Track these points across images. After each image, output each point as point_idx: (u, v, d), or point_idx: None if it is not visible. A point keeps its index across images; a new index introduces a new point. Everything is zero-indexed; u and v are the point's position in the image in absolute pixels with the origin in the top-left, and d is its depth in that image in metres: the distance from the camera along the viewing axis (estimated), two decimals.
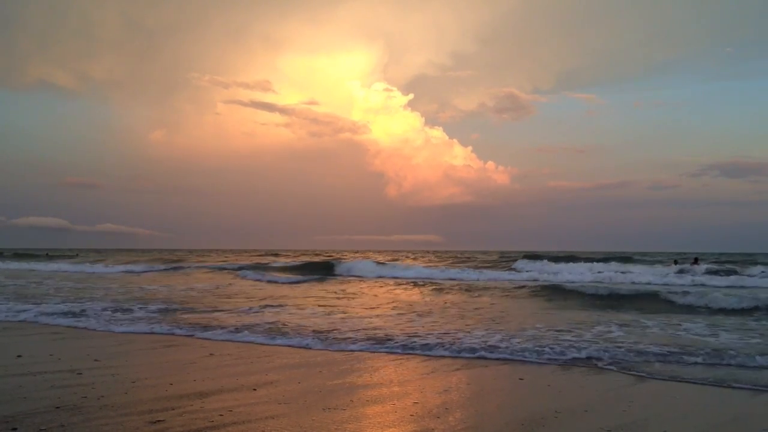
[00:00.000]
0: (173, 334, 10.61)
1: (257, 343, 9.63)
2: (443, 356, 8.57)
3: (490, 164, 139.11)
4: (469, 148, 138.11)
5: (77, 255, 68.38)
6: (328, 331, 10.61)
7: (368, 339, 9.81)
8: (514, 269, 35.91)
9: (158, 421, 5.04)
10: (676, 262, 36.53)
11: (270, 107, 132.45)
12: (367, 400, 5.95)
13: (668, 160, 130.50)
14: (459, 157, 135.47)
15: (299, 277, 29.02)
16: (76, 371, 7.11)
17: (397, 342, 9.52)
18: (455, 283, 24.78)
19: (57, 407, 5.41)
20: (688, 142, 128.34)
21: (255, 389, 6.36)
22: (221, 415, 5.28)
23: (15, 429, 4.71)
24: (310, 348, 9.24)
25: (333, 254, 76.50)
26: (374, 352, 8.87)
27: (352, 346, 9.26)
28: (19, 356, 8.05)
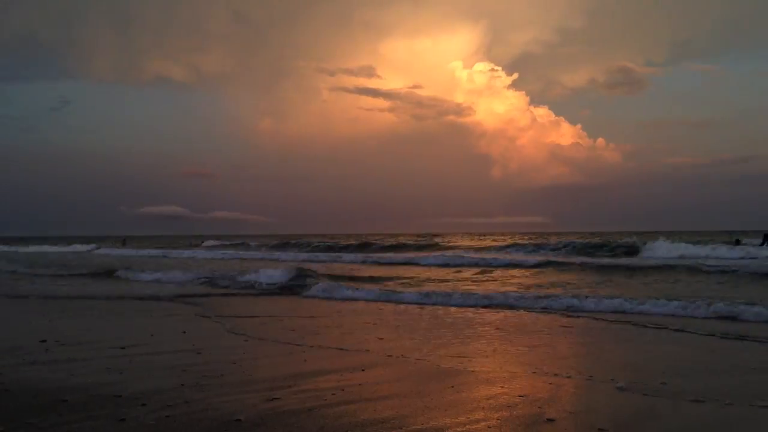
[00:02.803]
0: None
1: None
2: None
3: (600, 141, 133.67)
4: (579, 125, 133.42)
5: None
6: None
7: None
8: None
9: (275, 398, 5.24)
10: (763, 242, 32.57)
11: (374, 92, 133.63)
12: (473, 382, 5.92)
13: None
14: (567, 135, 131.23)
15: None
16: (196, 350, 7.51)
17: None
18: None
19: (182, 384, 5.74)
20: None
21: (363, 369, 6.48)
22: (333, 393, 5.42)
23: (144, 405, 5.03)
24: None
25: (439, 236, 76.39)
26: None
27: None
28: (152, 335, 8.61)
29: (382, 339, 8.52)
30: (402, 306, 12.87)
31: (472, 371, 6.41)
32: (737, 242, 33.99)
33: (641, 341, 8.50)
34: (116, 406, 4.96)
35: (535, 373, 6.33)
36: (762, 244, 31.41)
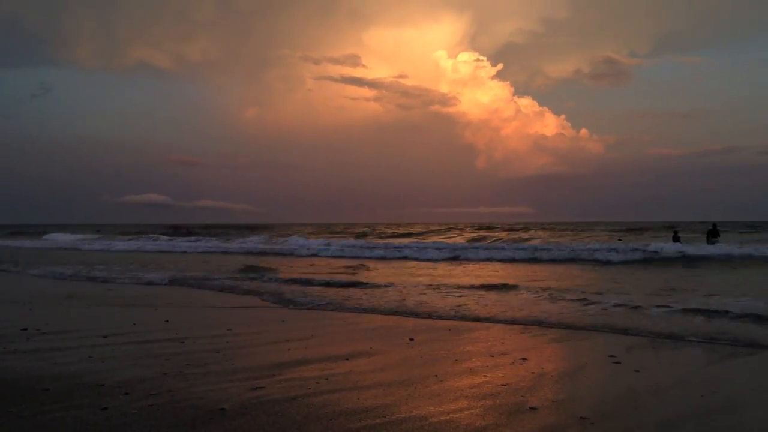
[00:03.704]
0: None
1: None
2: None
3: (584, 132, 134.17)
4: (563, 116, 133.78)
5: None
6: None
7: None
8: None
9: (259, 387, 5.23)
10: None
11: (359, 82, 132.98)
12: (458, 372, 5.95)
13: None
14: (551, 126, 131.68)
15: None
16: (179, 339, 7.48)
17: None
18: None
19: (164, 373, 5.72)
20: None
21: (347, 359, 6.49)
22: (317, 383, 5.43)
23: (127, 393, 5.01)
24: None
25: (422, 227, 76.61)
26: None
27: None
28: (134, 324, 8.56)
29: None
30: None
31: (456, 360, 6.44)
32: (676, 236, 33.82)
33: None
34: (99, 395, 4.94)
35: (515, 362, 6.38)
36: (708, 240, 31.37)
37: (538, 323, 9.10)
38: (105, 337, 7.60)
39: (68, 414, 4.46)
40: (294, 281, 15.84)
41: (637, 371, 6.05)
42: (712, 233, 30.82)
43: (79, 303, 11.51)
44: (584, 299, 11.37)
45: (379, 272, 19.11)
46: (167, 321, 9.00)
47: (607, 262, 22.14)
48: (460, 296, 12.29)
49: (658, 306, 10.23)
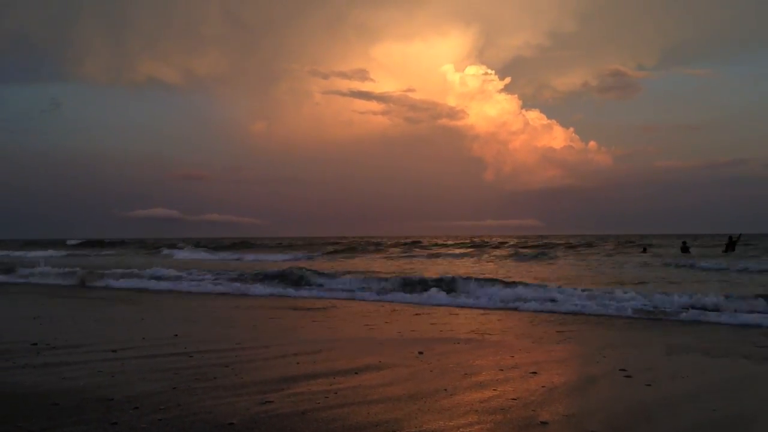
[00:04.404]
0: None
1: None
2: None
3: (593, 144, 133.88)
4: (571, 129, 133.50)
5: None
6: None
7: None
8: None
9: (267, 402, 5.22)
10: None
11: (367, 96, 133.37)
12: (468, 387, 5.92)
13: None
14: (559, 138, 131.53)
15: None
16: (187, 353, 7.48)
17: None
18: None
19: (173, 388, 5.71)
20: None
21: (356, 372, 6.46)
22: (326, 397, 5.41)
23: (136, 408, 5.00)
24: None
25: (428, 240, 76.45)
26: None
27: None
28: (143, 338, 8.56)
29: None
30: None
31: (465, 374, 6.41)
32: (644, 250, 33.95)
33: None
34: (108, 410, 4.93)
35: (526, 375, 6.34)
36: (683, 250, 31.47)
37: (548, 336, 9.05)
38: (114, 351, 7.60)
39: (77, 429, 4.46)
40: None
41: (649, 385, 6.00)
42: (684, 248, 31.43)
43: (87, 316, 11.53)
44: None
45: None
46: (176, 335, 9.00)
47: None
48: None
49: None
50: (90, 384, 5.84)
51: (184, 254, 47.80)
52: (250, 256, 42.34)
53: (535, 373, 6.48)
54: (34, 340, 8.32)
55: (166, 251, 51.80)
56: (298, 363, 6.97)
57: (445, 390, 5.71)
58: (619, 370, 6.66)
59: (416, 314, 11.91)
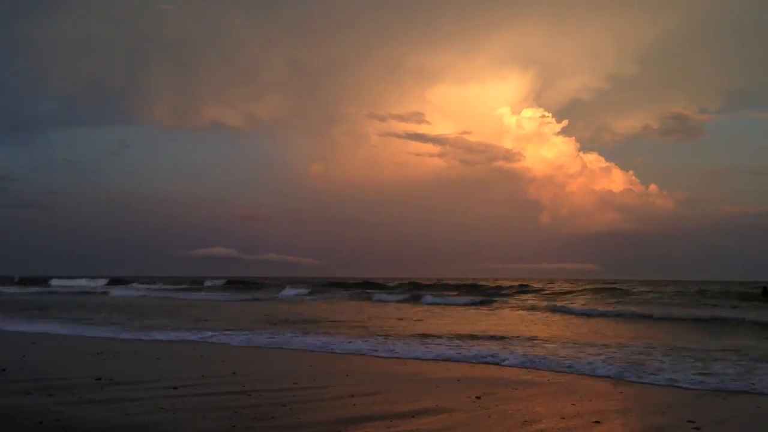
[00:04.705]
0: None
1: None
2: None
3: (653, 188, 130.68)
4: (631, 172, 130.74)
5: None
6: None
7: None
8: None
9: None
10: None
11: (423, 138, 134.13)
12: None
13: None
14: (618, 181, 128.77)
15: None
16: (246, 392, 7.54)
17: None
18: None
19: (233, 426, 5.76)
20: None
21: (414, 416, 6.39)
22: None
23: None
24: None
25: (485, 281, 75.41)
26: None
27: None
28: (202, 376, 8.69)
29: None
30: None
31: (525, 421, 6.26)
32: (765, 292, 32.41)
33: None
34: None
35: None
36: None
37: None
38: (175, 388, 7.73)
39: None
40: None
41: None
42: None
43: (148, 354, 11.78)
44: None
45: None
46: (234, 373, 9.10)
47: None
48: None
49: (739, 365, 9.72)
50: (152, 421, 5.95)
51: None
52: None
53: (598, 422, 6.28)
54: (98, 375, 8.55)
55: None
56: (354, 405, 6.94)
57: None
58: (687, 421, 6.39)
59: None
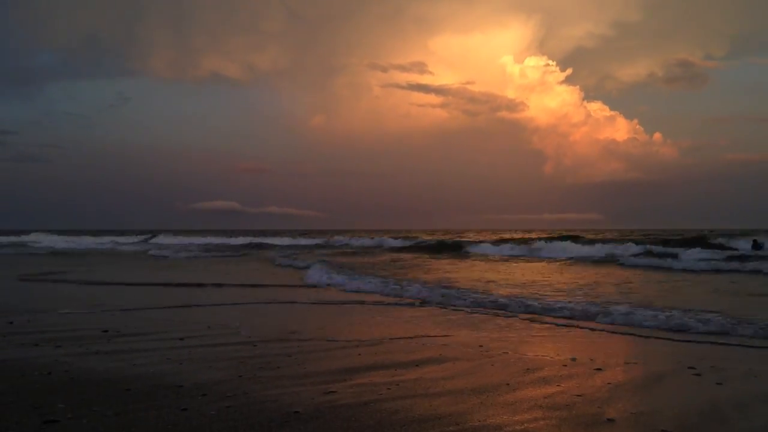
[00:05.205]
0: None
1: None
2: None
3: (658, 137, 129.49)
4: (635, 121, 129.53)
5: None
6: None
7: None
8: None
9: (330, 392, 5.28)
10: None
11: (425, 88, 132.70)
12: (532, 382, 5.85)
13: None
14: (622, 131, 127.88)
15: None
16: (251, 342, 7.63)
17: None
18: None
19: (239, 376, 5.84)
20: None
21: (417, 365, 6.47)
22: (388, 388, 5.43)
23: (205, 395, 5.14)
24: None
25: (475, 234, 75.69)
26: None
27: None
28: (208, 327, 8.79)
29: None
30: None
31: (527, 369, 6.34)
32: (755, 244, 31.95)
33: None
34: (178, 396, 5.08)
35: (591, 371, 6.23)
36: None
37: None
38: (181, 339, 7.83)
39: (150, 414, 4.61)
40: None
41: (719, 384, 5.81)
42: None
43: (156, 304, 11.90)
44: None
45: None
46: (239, 324, 9.19)
47: None
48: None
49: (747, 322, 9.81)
50: (160, 371, 6.03)
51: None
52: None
53: (599, 369, 6.35)
54: (105, 328, 8.65)
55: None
56: (359, 354, 7.03)
57: (508, 384, 5.66)
58: (688, 368, 6.47)
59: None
